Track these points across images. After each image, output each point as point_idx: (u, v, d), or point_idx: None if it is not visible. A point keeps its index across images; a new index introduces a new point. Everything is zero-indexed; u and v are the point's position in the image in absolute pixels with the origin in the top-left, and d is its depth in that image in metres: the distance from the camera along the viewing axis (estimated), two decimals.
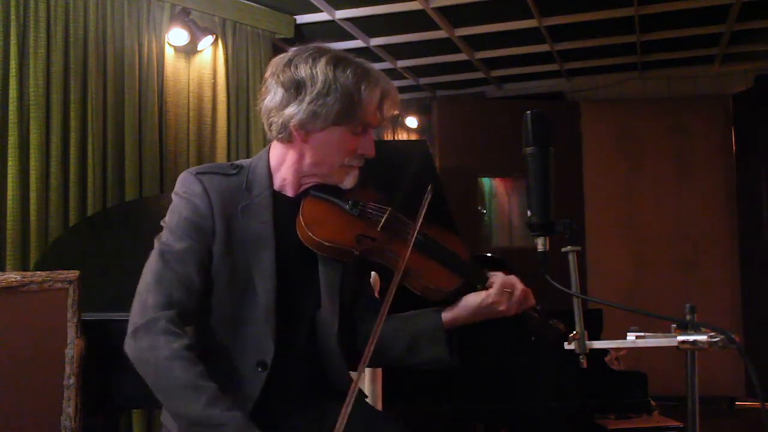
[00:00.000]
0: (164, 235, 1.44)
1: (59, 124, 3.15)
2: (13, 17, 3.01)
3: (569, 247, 1.30)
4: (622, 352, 2.90)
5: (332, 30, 4.51)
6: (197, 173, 1.47)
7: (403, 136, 6.36)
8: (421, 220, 1.48)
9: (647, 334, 1.25)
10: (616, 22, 4.51)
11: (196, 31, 3.70)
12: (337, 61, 1.45)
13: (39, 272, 2.12)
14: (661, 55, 5.35)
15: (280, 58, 1.49)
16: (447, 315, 1.51)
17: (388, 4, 4.13)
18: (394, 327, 1.55)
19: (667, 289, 5.44)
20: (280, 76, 1.45)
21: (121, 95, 3.46)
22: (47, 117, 3.11)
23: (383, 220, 1.52)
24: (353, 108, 1.44)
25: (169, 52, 3.72)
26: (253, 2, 4.09)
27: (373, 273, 1.97)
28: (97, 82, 3.33)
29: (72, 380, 2.04)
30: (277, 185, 1.53)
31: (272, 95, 1.47)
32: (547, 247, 1.35)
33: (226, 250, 1.43)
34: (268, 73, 1.50)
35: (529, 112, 1.36)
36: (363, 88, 1.44)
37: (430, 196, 1.51)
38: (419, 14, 4.24)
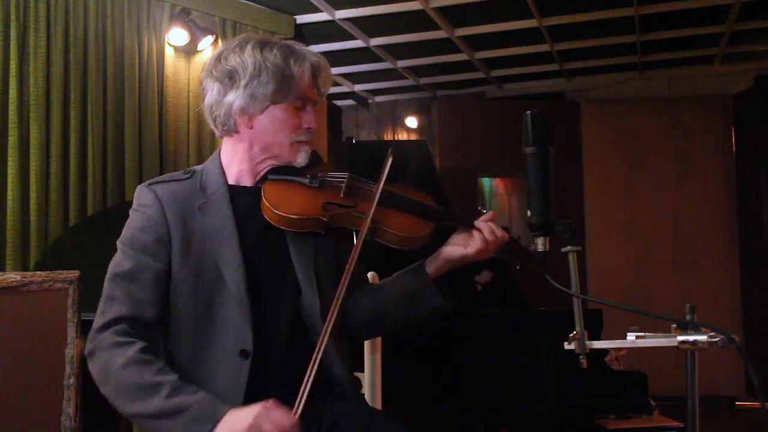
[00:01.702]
0: (117, 256, 1.49)
1: (59, 124, 3.15)
2: (13, 17, 3.01)
3: (569, 247, 1.30)
4: (622, 352, 2.90)
5: (332, 30, 4.51)
6: (149, 184, 1.53)
7: (403, 136, 6.36)
8: (384, 179, 1.52)
9: (647, 334, 1.25)
10: (616, 22, 4.51)
11: (196, 31, 3.70)
12: (263, 44, 1.52)
13: (39, 272, 2.11)
14: (661, 55, 5.35)
15: (210, 57, 1.57)
16: (431, 269, 1.57)
17: (388, 4, 4.13)
18: (384, 297, 1.62)
19: (667, 289, 5.44)
20: (213, 71, 1.53)
21: (121, 95, 3.46)
22: (47, 117, 3.11)
23: (345, 185, 1.56)
24: (287, 83, 1.50)
25: (169, 52, 3.72)
26: (253, 2, 4.09)
27: (371, 273, 1.98)
28: (97, 82, 3.33)
29: (72, 380, 2.04)
30: (233, 179, 1.56)
31: (210, 92, 1.53)
32: (547, 247, 1.35)
33: (187, 251, 1.46)
34: (202, 75, 1.56)
35: (529, 112, 1.36)
36: (292, 62, 1.50)
37: (390, 159, 1.56)
38: (419, 14, 4.24)
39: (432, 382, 2.71)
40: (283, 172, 1.57)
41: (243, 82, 1.48)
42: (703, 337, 1.19)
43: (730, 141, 5.60)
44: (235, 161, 1.56)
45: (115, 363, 1.35)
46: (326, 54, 4.10)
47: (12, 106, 2.99)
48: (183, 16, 3.64)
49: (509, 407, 2.61)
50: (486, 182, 6.04)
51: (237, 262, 1.46)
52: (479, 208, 5.92)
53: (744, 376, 5.24)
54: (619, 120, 5.77)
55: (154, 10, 3.63)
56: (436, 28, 4.51)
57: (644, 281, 5.58)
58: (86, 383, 2.07)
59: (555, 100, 6.02)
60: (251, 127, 1.52)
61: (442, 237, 1.59)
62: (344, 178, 1.57)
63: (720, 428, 4.79)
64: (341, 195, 1.55)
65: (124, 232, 1.50)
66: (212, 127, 1.57)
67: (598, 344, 1.30)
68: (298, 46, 1.55)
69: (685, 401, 1.27)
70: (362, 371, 2.04)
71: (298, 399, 1.29)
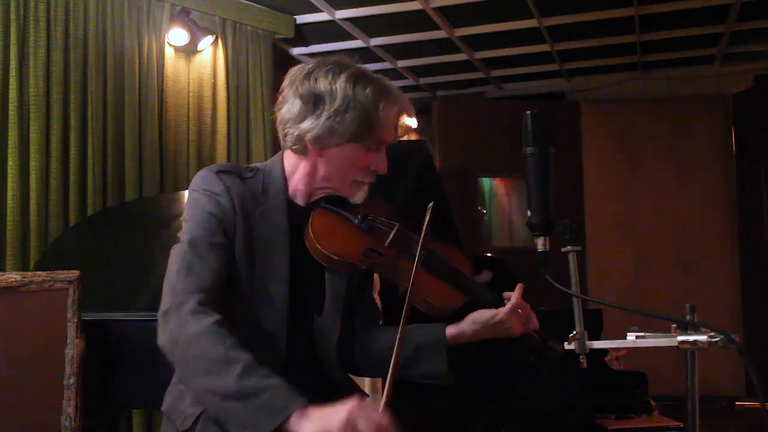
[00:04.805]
0: (190, 228, 1.42)
1: (59, 123, 3.15)
2: (13, 17, 3.01)
3: (569, 247, 1.29)
4: (622, 352, 2.90)
5: (332, 30, 4.51)
6: (218, 171, 1.46)
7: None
8: (426, 236, 1.48)
9: (647, 334, 1.25)
10: (616, 22, 4.51)
11: (196, 31, 3.70)
12: (357, 78, 1.44)
13: (39, 272, 2.11)
14: (661, 55, 5.35)
15: (300, 69, 1.48)
16: (452, 330, 1.53)
17: (388, 4, 4.13)
18: (392, 341, 1.57)
19: (667, 289, 5.44)
20: (299, 87, 1.45)
21: (121, 95, 3.46)
22: (47, 117, 3.11)
23: (391, 236, 1.52)
24: (371, 126, 1.44)
25: (169, 52, 3.72)
26: (253, 2, 4.09)
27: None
28: (97, 82, 3.33)
29: (72, 380, 2.04)
30: (289, 192, 1.52)
31: (289, 106, 1.46)
32: (547, 247, 1.35)
33: (245, 251, 1.43)
34: (285, 83, 1.49)
35: (529, 112, 1.36)
36: (382, 106, 1.44)
37: (431, 212, 1.51)
38: (419, 14, 4.24)
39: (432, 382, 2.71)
40: (336, 202, 1.54)
41: (326, 113, 1.41)
42: (703, 337, 1.19)
43: (730, 141, 5.60)
44: (294, 177, 1.52)
45: (189, 330, 1.28)
46: (326, 54, 4.09)
47: (12, 106, 2.99)
48: (183, 16, 3.64)
49: (509, 407, 2.60)
50: (486, 182, 6.04)
51: (285, 277, 1.44)
52: (479, 208, 5.92)
53: (744, 376, 5.24)
54: (619, 120, 5.77)
55: (154, 10, 3.63)
56: (436, 28, 4.51)
57: (644, 281, 5.58)
58: (86, 383, 2.08)
59: (555, 100, 6.02)
60: (320, 155, 1.47)
61: (469, 310, 1.56)
62: (393, 227, 1.54)
63: (720, 428, 4.79)
64: (386, 245, 1.51)
65: (191, 212, 1.43)
66: (280, 138, 1.51)
67: (598, 344, 1.30)
68: (391, 86, 1.49)
69: (685, 401, 1.27)
70: None
71: (385, 396, 1.25)
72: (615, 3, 4.19)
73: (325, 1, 4.09)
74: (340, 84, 1.42)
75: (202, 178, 1.46)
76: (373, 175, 1.52)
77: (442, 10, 4.25)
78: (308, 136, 1.44)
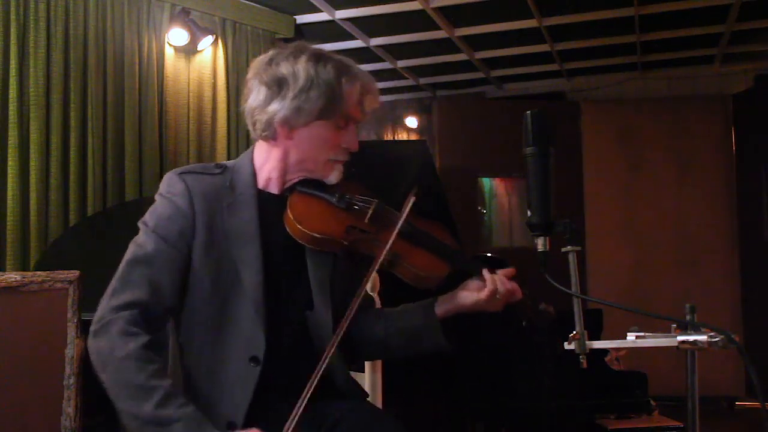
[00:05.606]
0: (139, 237, 1.46)
1: (59, 124, 3.15)
2: (13, 17, 3.01)
3: (569, 247, 1.30)
4: (622, 352, 2.90)
5: (332, 30, 4.51)
6: (181, 173, 1.49)
7: (403, 136, 6.36)
8: (408, 210, 1.50)
9: (647, 334, 1.25)
10: (616, 22, 4.51)
11: (196, 31, 3.70)
12: (318, 57, 1.49)
13: (39, 272, 2.11)
14: (661, 55, 5.35)
15: (262, 59, 1.53)
16: (440, 310, 1.57)
17: (388, 4, 4.13)
18: (390, 326, 1.60)
19: (667, 289, 5.44)
20: (263, 75, 1.49)
21: (121, 95, 3.46)
22: (47, 117, 3.11)
23: (371, 211, 1.54)
24: (335, 102, 1.47)
25: (169, 52, 3.72)
26: (253, 2, 4.09)
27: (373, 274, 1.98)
28: (97, 82, 3.33)
29: (72, 380, 2.04)
30: (261, 184, 1.54)
31: (255, 94, 1.50)
32: (547, 247, 1.35)
33: (209, 248, 1.44)
34: (249, 75, 1.53)
35: (529, 112, 1.36)
36: (344, 81, 1.47)
37: (414, 194, 1.54)
38: (419, 14, 4.24)
39: (432, 382, 2.71)
40: (312, 185, 1.55)
41: (291, 94, 1.45)
42: (703, 337, 1.19)
43: (730, 141, 5.60)
44: (266, 167, 1.54)
45: (117, 353, 1.32)
46: None
47: (12, 106, 2.99)
48: (183, 16, 3.64)
49: (509, 407, 2.61)
50: (486, 182, 6.04)
51: (257, 266, 1.45)
52: (479, 208, 5.92)
53: (744, 376, 5.24)
54: (619, 120, 5.77)
55: (154, 10, 3.63)
56: (436, 28, 4.51)
57: (644, 281, 5.58)
58: (86, 383, 2.08)
59: (555, 100, 6.02)
60: (290, 138, 1.50)
61: (457, 280, 1.58)
62: (371, 203, 1.55)
63: (720, 428, 4.79)
64: (366, 221, 1.53)
65: (148, 216, 1.47)
66: (250, 128, 1.54)
67: (598, 344, 1.30)
68: (353, 64, 1.52)
69: (685, 401, 1.27)
70: (363, 371, 2.04)
71: (289, 422, 1.27)
72: (615, 3, 4.19)
73: (325, 1, 4.08)
74: (302, 65, 1.46)
75: (165, 180, 1.50)
76: (345, 153, 1.54)
77: (442, 10, 4.25)
78: (276, 118, 1.47)
